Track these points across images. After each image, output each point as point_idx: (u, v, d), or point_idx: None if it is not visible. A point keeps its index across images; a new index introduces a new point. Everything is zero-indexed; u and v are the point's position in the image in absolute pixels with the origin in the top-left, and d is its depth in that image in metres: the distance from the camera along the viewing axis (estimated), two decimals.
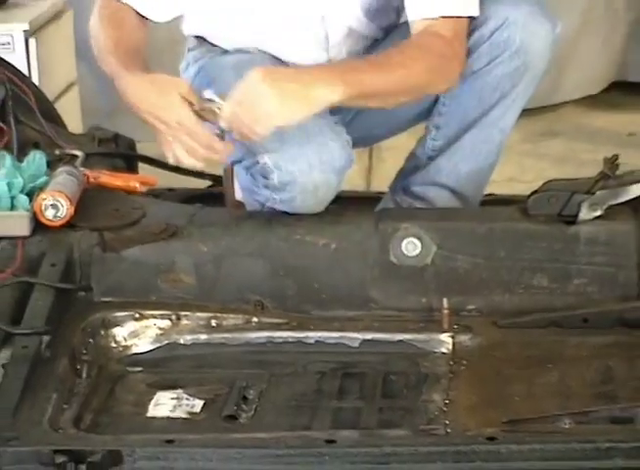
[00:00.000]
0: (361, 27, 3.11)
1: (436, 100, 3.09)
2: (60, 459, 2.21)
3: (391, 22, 3.15)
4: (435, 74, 2.88)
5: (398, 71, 2.83)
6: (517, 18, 2.99)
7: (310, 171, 2.79)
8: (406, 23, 3.04)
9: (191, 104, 2.69)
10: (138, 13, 3.06)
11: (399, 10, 3.09)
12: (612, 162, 2.87)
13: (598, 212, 2.80)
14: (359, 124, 3.16)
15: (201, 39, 3.24)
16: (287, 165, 2.79)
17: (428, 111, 3.13)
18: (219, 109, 2.69)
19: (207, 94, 2.74)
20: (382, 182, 3.35)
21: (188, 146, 2.70)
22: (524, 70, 3.03)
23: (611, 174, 2.85)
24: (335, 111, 3.09)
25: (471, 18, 2.95)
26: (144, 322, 2.73)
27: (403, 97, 2.92)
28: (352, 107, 3.00)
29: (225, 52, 3.17)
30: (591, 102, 5.25)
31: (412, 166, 3.21)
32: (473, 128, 3.07)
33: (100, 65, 3.00)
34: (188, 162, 2.75)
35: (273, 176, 2.82)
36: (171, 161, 2.80)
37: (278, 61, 3.07)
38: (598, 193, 2.81)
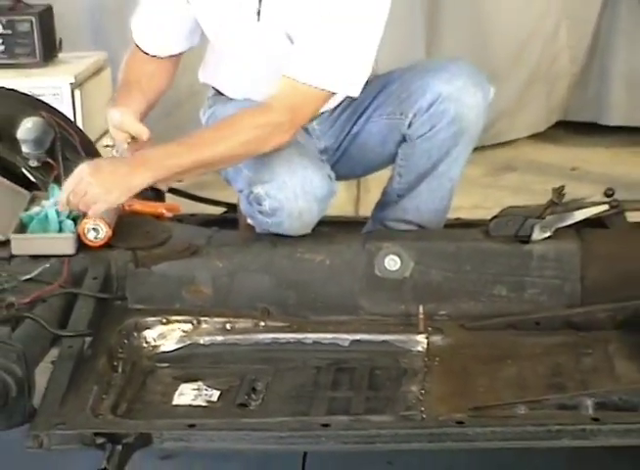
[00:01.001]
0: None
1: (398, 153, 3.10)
2: (100, 440, 2.24)
3: None
4: (252, 145, 2.84)
5: (204, 150, 2.82)
6: (450, 92, 2.96)
7: (295, 199, 2.79)
8: None
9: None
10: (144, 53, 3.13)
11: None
12: (559, 192, 2.89)
13: (548, 234, 2.82)
14: (344, 164, 3.17)
15: (214, 88, 3.23)
16: (276, 194, 2.79)
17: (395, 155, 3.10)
18: None
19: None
20: (368, 209, 3.35)
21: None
22: (460, 134, 3.01)
23: (558, 202, 2.87)
24: (322, 150, 3.12)
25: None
26: (170, 326, 2.74)
27: (223, 165, 2.97)
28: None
29: (230, 100, 3.15)
30: (540, 138, 5.25)
31: (386, 201, 3.20)
32: (426, 178, 3.06)
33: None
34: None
35: (265, 203, 2.82)
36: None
37: None
38: (547, 217, 2.83)
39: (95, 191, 2.69)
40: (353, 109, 3.14)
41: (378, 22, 2.85)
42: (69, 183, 2.73)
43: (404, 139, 3.05)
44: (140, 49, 3.14)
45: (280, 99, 2.83)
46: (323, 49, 2.83)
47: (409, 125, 3.01)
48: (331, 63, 2.84)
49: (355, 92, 2.89)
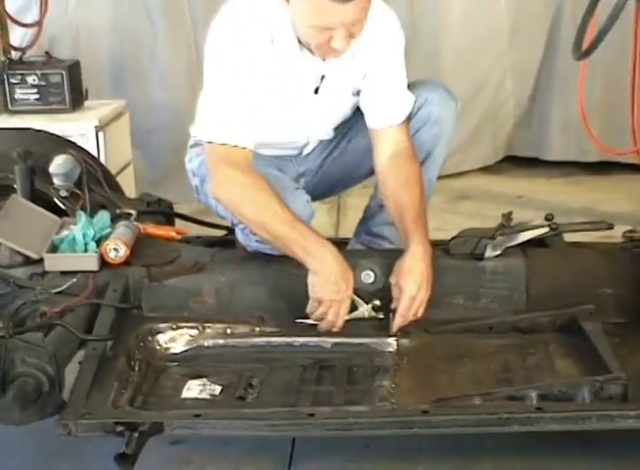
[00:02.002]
0: (328, 136, 3.10)
1: None
2: (119, 429, 2.24)
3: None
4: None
5: (423, 191, 2.88)
6: (433, 98, 3.00)
7: None
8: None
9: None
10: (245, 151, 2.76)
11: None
12: (507, 216, 2.90)
13: (498, 252, 2.84)
14: (323, 184, 3.16)
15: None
16: None
17: (371, 171, 3.05)
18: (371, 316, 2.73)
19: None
20: (346, 231, 3.36)
21: (327, 312, 2.66)
22: (440, 136, 3.03)
23: (506, 225, 2.88)
24: (301, 174, 3.12)
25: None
26: (179, 331, 2.74)
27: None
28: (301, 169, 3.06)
29: None
30: (490, 171, 5.26)
31: (369, 215, 3.20)
32: None
33: (258, 231, 2.70)
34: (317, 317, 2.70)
35: None
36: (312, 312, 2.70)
37: (259, 155, 2.89)
38: (498, 238, 2.84)
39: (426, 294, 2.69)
40: (335, 133, 3.11)
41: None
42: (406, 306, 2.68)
43: None
44: (244, 149, 2.74)
45: (404, 135, 2.93)
46: (398, 95, 2.95)
47: None
48: (407, 98, 2.96)
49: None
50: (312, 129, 3.04)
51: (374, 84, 2.94)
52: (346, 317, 2.68)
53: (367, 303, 2.74)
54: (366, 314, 2.73)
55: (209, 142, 2.77)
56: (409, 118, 2.97)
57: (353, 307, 2.71)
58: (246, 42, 2.75)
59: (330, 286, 2.63)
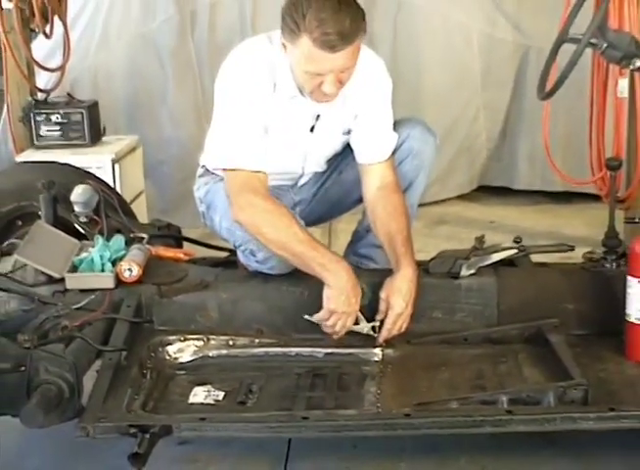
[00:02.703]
0: (321, 169, 3.10)
1: None
2: (132, 431, 2.24)
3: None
4: None
5: (408, 218, 2.91)
6: (414, 134, 3.01)
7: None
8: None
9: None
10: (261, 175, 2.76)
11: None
12: (480, 239, 2.90)
13: (472, 271, 2.83)
14: (316, 212, 3.15)
15: (205, 168, 3.09)
16: (265, 247, 2.74)
17: (361, 200, 3.03)
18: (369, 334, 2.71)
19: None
20: (337, 251, 3.34)
21: (336, 321, 2.66)
22: (420, 167, 3.04)
23: (480, 247, 2.89)
24: (297, 202, 3.11)
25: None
26: (186, 342, 2.72)
27: None
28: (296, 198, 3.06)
29: (221, 179, 2.95)
30: (465, 198, 5.27)
31: (357, 238, 3.18)
32: None
33: (278, 251, 2.68)
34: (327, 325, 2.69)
35: (258, 255, 2.81)
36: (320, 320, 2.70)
37: None
38: (472, 259, 2.84)
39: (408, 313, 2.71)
40: (327, 166, 3.12)
41: None
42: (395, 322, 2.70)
43: None
44: (259, 173, 2.74)
45: (391, 172, 2.92)
46: (384, 135, 2.95)
47: None
48: (391, 136, 2.97)
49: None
50: (307, 163, 3.04)
51: (363, 125, 2.94)
52: (359, 316, 2.70)
53: (369, 321, 2.72)
54: (365, 330, 2.72)
55: (228, 170, 2.78)
56: (394, 153, 2.97)
57: (356, 321, 2.70)
58: (254, 83, 2.77)
59: (343, 299, 2.64)
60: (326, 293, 2.65)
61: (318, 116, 2.90)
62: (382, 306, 2.71)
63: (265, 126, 2.80)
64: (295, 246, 2.66)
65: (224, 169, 2.81)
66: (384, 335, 2.69)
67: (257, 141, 2.77)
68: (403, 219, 2.86)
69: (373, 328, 2.71)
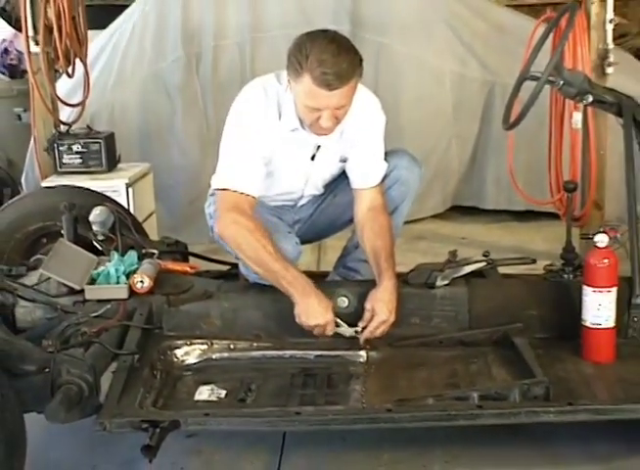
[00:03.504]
0: (319, 192, 3.11)
1: None
2: (144, 425, 2.23)
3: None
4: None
5: (392, 237, 2.91)
6: (402, 164, 3.02)
7: None
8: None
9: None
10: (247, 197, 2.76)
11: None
12: (453, 254, 2.90)
13: (446, 282, 2.83)
14: (312, 230, 3.15)
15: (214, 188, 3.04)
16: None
17: (351, 220, 3.03)
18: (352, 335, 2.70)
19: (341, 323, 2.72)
20: (326, 266, 3.35)
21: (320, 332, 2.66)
22: (406, 193, 3.05)
23: (453, 260, 2.89)
24: (296, 221, 3.11)
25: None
26: (192, 346, 2.72)
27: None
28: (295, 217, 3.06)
29: None
30: (440, 217, 5.26)
31: (346, 253, 3.17)
32: None
33: (253, 266, 2.71)
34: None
35: None
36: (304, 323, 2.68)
37: (264, 205, 2.97)
38: (446, 271, 2.84)
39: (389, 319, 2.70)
40: (324, 189, 3.12)
41: None
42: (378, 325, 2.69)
43: None
44: (250, 196, 2.76)
45: (379, 195, 2.94)
46: (376, 163, 2.97)
47: None
48: (382, 165, 2.97)
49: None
50: (307, 187, 3.05)
51: (358, 155, 2.96)
52: (337, 321, 2.69)
53: (351, 326, 2.71)
54: (347, 334, 2.71)
55: (220, 189, 2.80)
56: (383, 180, 2.98)
57: (337, 325, 2.69)
58: (258, 115, 2.81)
59: (311, 313, 2.64)
60: (296, 311, 2.66)
61: (319, 146, 2.92)
62: (366, 316, 2.71)
63: (266, 156, 2.82)
64: (270, 264, 2.67)
65: (218, 189, 2.82)
66: (365, 335, 2.69)
67: (253, 167, 2.79)
68: (388, 238, 2.86)
69: (355, 332, 2.70)
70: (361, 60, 2.69)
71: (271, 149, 2.84)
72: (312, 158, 2.95)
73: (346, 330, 2.71)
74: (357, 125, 2.90)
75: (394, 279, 2.75)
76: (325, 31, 2.73)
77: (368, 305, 2.71)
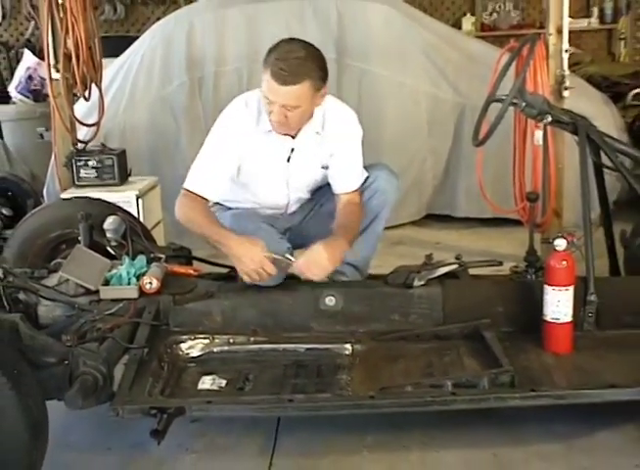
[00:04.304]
0: (306, 196, 3.10)
1: None
2: (153, 412, 2.24)
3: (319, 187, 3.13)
4: (360, 221, 2.97)
5: (354, 230, 2.91)
6: (381, 176, 3.05)
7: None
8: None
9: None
10: (202, 198, 2.89)
11: (323, 183, 3.08)
12: (428, 257, 2.90)
13: (422, 282, 2.82)
14: (302, 237, 3.11)
15: (216, 202, 3.12)
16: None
17: None
18: (289, 263, 2.72)
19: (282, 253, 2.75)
20: None
21: (257, 274, 2.69)
22: (385, 202, 3.05)
23: (428, 263, 2.88)
24: (288, 228, 3.10)
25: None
26: (196, 341, 2.71)
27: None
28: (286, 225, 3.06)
29: (228, 209, 3.11)
30: (416, 224, 5.24)
31: None
32: (363, 232, 3.03)
33: (195, 232, 2.84)
34: (255, 279, 2.72)
35: None
36: (247, 280, 2.74)
37: (256, 212, 3.05)
38: (422, 272, 2.84)
39: (325, 263, 2.71)
40: (312, 199, 3.13)
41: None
42: (308, 256, 2.72)
43: None
44: (199, 196, 2.88)
45: (354, 199, 2.97)
46: (353, 171, 3.00)
47: None
48: (359, 174, 3.00)
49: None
50: (290, 190, 3.05)
51: (337, 163, 2.99)
52: (272, 257, 2.70)
53: (283, 256, 2.73)
54: (285, 261, 2.72)
55: (183, 188, 2.90)
56: (363, 187, 3.01)
57: (273, 261, 2.70)
58: (237, 123, 2.90)
59: (243, 261, 2.70)
60: (235, 264, 2.75)
61: (292, 149, 2.95)
62: (306, 252, 2.75)
63: (240, 156, 2.90)
64: (208, 230, 2.78)
65: (183, 187, 2.91)
66: (298, 266, 2.71)
67: (215, 172, 2.88)
68: (352, 220, 2.91)
69: (291, 253, 2.75)
70: (322, 70, 2.77)
71: (247, 150, 2.89)
72: (288, 159, 2.96)
73: (282, 258, 2.71)
74: (336, 134, 2.94)
75: (338, 242, 2.77)
76: (297, 39, 2.81)
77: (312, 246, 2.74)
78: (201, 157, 2.94)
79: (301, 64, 2.71)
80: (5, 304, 2.59)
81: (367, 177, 3.03)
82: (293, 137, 2.93)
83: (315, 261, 2.71)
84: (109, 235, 3.12)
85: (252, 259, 2.69)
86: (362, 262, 3.12)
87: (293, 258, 2.74)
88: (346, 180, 3.00)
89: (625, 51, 7.39)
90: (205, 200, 2.89)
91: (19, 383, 2.10)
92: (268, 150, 2.93)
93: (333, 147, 2.95)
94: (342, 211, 2.97)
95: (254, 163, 2.95)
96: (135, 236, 3.18)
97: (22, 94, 6.34)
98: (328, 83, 2.86)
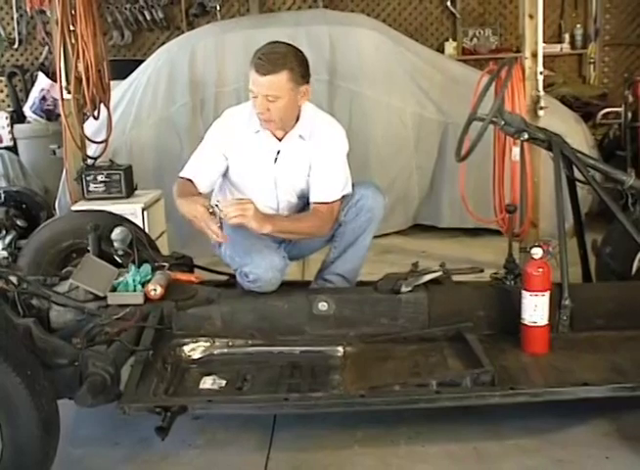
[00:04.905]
0: (295, 201, 3.07)
1: (333, 235, 3.05)
2: (158, 410, 2.23)
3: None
4: (313, 230, 2.93)
5: (295, 225, 2.89)
6: (368, 194, 3.00)
7: (266, 272, 2.78)
8: None
9: (207, 209, 2.71)
10: (190, 182, 2.95)
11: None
12: (414, 265, 2.90)
13: (409, 288, 2.81)
14: (296, 250, 3.11)
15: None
16: (256, 270, 2.78)
17: (328, 241, 3.07)
18: (221, 211, 2.71)
19: (215, 202, 2.78)
20: (309, 276, 3.34)
21: (205, 228, 2.71)
22: (371, 220, 3.02)
23: (415, 270, 2.88)
24: (281, 241, 3.06)
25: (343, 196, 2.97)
26: (197, 343, 2.70)
27: (299, 237, 2.98)
28: (279, 237, 2.97)
29: None
30: (404, 234, 5.24)
31: (324, 267, 3.14)
32: (351, 247, 3.03)
33: (177, 208, 2.85)
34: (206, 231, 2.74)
35: (250, 276, 2.81)
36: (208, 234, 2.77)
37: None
38: (409, 279, 2.83)
39: (249, 214, 2.69)
40: (299, 201, 3.08)
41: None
42: (236, 204, 2.73)
43: (340, 225, 3.00)
44: (189, 182, 2.96)
45: (320, 210, 2.92)
46: (328, 183, 2.95)
47: (344, 215, 2.99)
48: (334, 188, 2.95)
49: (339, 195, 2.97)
50: (278, 192, 3.01)
51: (316, 172, 2.96)
52: (210, 207, 2.72)
53: (214, 206, 2.73)
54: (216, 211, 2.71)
55: (179, 176, 2.99)
56: (350, 205, 2.97)
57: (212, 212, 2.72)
58: (229, 125, 2.97)
59: (191, 219, 2.74)
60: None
61: (279, 151, 2.95)
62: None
63: (226, 150, 2.94)
64: (178, 205, 2.82)
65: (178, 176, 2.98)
66: (223, 208, 2.70)
67: (204, 161, 2.96)
68: (301, 221, 2.92)
69: (217, 206, 2.73)
70: (302, 66, 2.82)
71: (237, 148, 2.93)
72: (275, 161, 2.96)
73: (215, 210, 2.73)
74: (320, 147, 2.94)
75: (269, 219, 2.78)
76: (281, 41, 2.86)
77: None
78: (194, 154, 3.02)
79: (281, 57, 2.77)
80: (19, 309, 2.57)
81: (354, 195, 2.99)
82: (279, 140, 2.94)
83: (241, 207, 2.71)
84: (116, 245, 3.11)
85: (196, 217, 2.72)
86: (351, 274, 3.10)
87: (220, 206, 2.73)
88: (320, 190, 2.95)
89: (595, 74, 7.45)
90: (194, 185, 2.93)
91: (32, 383, 2.10)
92: (256, 150, 2.95)
93: (316, 157, 2.95)
94: (304, 212, 2.98)
95: (244, 162, 2.96)
96: (141, 246, 3.17)
97: (36, 114, 6.35)
98: (311, 87, 2.89)
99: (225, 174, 3.03)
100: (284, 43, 2.85)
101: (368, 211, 2.99)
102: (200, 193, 2.93)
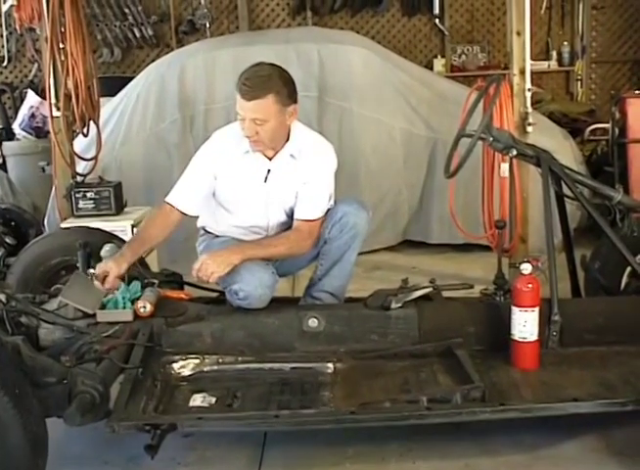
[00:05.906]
0: (284, 219, 3.06)
1: (319, 253, 3.05)
2: (147, 428, 2.23)
3: None
4: (292, 250, 2.94)
5: (271, 249, 2.90)
6: (350, 211, 2.99)
7: (256, 289, 2.78)
8: None
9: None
10: (178, 210, 2.94)
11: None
12: (404, 281, 2.90)
13: (399, 304, 2.81)
14: (283, 267, 3.08)
15: (204, 229, 3.18)
16: (245, 288, 2.78)
17: (315, 258, 3.07)
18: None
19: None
20: (299, 292, 3.34)
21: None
22: (356, 236, 3.00)
23: (404, 286, 2.88)
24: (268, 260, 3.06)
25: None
26: (187, 361, 2.69)
27: (279, 257, 2.97)
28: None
29: (216, 236, 3.11)
30: (393, 249, 5.24)
31: (312, 284, 3.13)
32: (337, 264, 3.03)
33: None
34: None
35: (240, 293, 2.80)
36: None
37: (241, 240, 3.02)
38: (399, 295, 2.83)
39: (212, 267, 2.72)
40: (288, 219, 3.08)
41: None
42: (195, 266, 2.75)
43: (325, 242, 3.00)
44: (175, 208, 2.95)
45: (302, 227, 2.92)
46: (314, 201, 2.95)
47: (328, 232, 2.99)
48: (319, 206, 2.95)
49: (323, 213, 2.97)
50: (268, 211, 3.01)
51: (303, 190, 2.96)
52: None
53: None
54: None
55: (164, 200, 2.98)
56: (332, 222, 2.97)
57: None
58: (218, 148, 2.96)
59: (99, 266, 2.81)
60: None
61: (269, 170, 2.95)
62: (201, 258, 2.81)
63: (215, 172, 2.94)
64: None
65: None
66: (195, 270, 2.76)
67: (191, 186, 2.96)
68: (279, 242, 2.93)
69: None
70: (287, 87, 2.81)
71: (226, 169, 2.93)
72: (265, 180, 2.96)
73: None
74: (310, 166, 2.94)
75: (246, 251, 2.83)
76: (266, 62, 2.86)
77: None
78: (182, 175, 3.01)
79: (265, 80, 2.77)
80: (8, 327, 2.56)
81: (337, 212, 2.98)
82: (270, 159, 2.95)
83: (203, 271, 2.75)
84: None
85: (105, 271, 2.77)
86: (338, 290, 3.10)
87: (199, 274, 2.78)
88: (305, 208, 2.95)
89: (582, 91, 7.53)
90: (180, 211, 2.95)
91: (20, 402, 2.09)
92: (246, 170, 2.94)
93: (306, 176, 2.95)
94: (281, 234, 2.99)
95: (233, 182, 2.96)
96: None
97: (25, 131, 6.34)
98: (299, 106, 2.89)
99: (214, 195, 3.02)
100: (268, 64, 2.84)
101: (352, 228, 2.99)
102: (176, 218, 2.98)
